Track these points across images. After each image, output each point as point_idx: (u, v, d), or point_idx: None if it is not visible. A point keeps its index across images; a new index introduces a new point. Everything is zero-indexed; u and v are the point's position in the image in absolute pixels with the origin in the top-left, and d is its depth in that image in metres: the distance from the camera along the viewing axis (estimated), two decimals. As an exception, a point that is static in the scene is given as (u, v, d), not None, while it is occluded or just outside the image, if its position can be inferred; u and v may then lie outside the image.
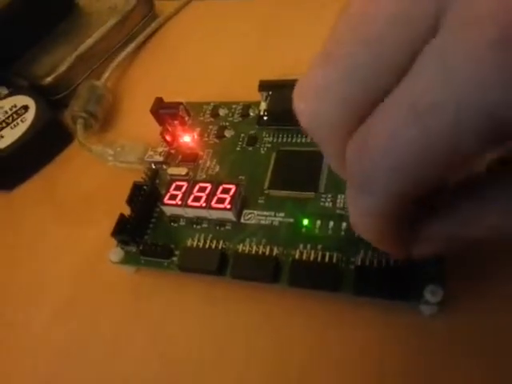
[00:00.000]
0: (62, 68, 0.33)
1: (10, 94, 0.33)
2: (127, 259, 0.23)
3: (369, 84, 0.11)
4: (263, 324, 0.21)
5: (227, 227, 0.23)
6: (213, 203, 0.22)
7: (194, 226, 0.23)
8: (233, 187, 0.23)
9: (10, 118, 0.31)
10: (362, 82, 0.11)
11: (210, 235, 0.23)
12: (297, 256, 0.20)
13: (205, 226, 0.23)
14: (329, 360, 0.20)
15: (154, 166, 0.26)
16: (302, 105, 0.13)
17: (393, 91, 0.11)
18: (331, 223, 0.21)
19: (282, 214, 0.22)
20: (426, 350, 0.19)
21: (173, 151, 0.27)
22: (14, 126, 0.31)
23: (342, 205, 0.22)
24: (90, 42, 0.35)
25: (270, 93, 0.25)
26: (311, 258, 0.20)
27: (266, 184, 0.23)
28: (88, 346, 0.23)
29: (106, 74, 0.33)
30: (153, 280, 0.24)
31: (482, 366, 0.18)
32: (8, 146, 0.30)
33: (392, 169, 0.11)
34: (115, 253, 0.23)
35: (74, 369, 0.23)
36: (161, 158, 0.26)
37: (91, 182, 0.30)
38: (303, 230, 0.21)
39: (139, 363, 0.22)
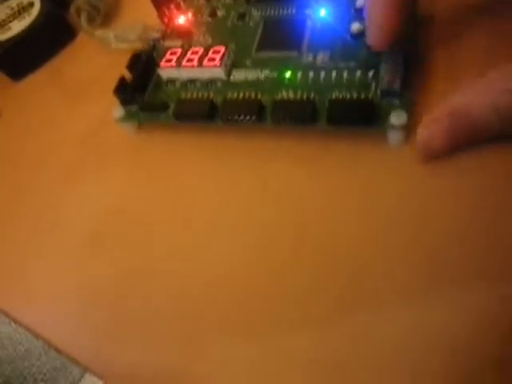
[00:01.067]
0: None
1: (16, -5, 0.35)
2: (128, 116, 0.26)
3: None
4: (248, 165, 0.24)
5: (218, 84, 0.25)
6: (204, 62, 0.25)
7: (188, 85, 0.26)
8: (222, 48, 0.25)
9: (17, 13, 0.33)
10: None
11: (202, 91, 0.25)
12: (278, 98, 0.23)
13: (198, 85, 0.25)
14: (306, 193, 0.22)
15: (151, 41, 0.28)
16: None
17: None
18: (311, 74, 0.23)
19: (267, 71, 0.25)
20: (389, 175, 0.21)
21: (169, 31, 0.29)
22: (21, 19, 0.33)
23: (321, 59, 0.24)
24: None
25: (258, -29, 0.27)
26: (291, 99, 0.22)
27: (254, 48, 0.25)
28: (98, 197, 0.26)
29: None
30: (152, 138, 0.26)
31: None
32: (16, 36, 0.32)
33: None
34: (117, 110, 0.26)
35: (80, 220, 0.25)
36: (158, 35, 0.28)
37: (96, 68, 0.32)
38: (285, 80, 0.24)
39: (142, 213, 0.24)
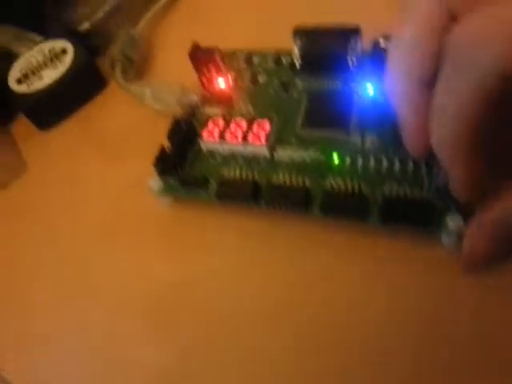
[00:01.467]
0: (99, 15, 0.35)
1: (47, 39, 0.34)
2: (166, 189, 0.25)
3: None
4: (291, 253, 0.23)
5: (261, 162, 0.24)
6: (249, 139, 0.24)
7: (230, 161, 0.25)
8: (268, 124, 0.24)
9: (49, 60, 0.33)
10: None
11: (245, 169, 0.24)
12: (327, 187, 0.22)
13: (240, 161, 0.25)
14: (352, 291, 0.21)
15: (189, 107, 0.28)
16: None
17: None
18: (360, 160, 0.23)
19: (313, 151, 0.24)
20: (445, 283, 0.20)
21: (208, 94, 0.28)
22: (54, 67, 0.32)
23: (370, 143, 0.23)
24: (126, -9, 0.36)
25: (304, 39, 0.27)
26: (341, 189, 0.22)
27: (299, 123, 0.25)
28: (124, 271, 0.25)
29: (142, 23, 0.34)
30: (187, 212, 0.26)
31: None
32: (48, 86, 0.32)
33: None
34: (155, 182, 0.25)
35: (110, 287, 0.25)
36: (197, 99, 0.28)
37: (127, 122, 0.31)
38: (333, 165, 0.23)
39: (171, 290, 0.24)
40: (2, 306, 0.26)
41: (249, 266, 0.23)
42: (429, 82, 0.17)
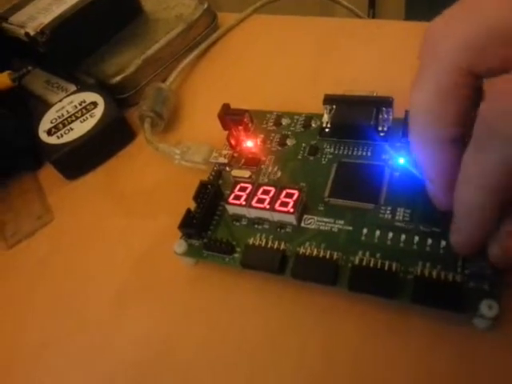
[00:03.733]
0: (130, 69, 0.35)
1: (79, 90, 0.35)
2: (190, 252, 0.25)
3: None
4: (316, 325, 0.22)
5: (287, 230, 0.24)
6: (276, 206, 0.24)
7: (256, 226, 0.25)
8: (296, 192, 0.24)
9: (80, 113, 0.33)
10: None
11: (271, 236, 0.24)
12: (356, 262, 0.21)
13: (266, 226, 0.24)
14: (377, 365, 0.21)
15: (216, 168, 0.28)
16: None
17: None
18: (390, 234, 0.22)
19: (341, 222, 0.23)
20: (475, 364, 0.19)
21: (236, 155, 0.28)
22: (83, 120, 0.33)
23: (401, 217, 0.23)
24: (156, 46, 0.37)
25: (334, 106, 0.27)
26: (371, 265, 0.21)
27: (327, 192, 0.24)
28: (146, 333, 0.24)
29: (171, 78, 0.35)
30: (210, 273, 0.25)
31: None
32: (77, 139, 0.32)
33: None
34: (180, 245, 0.25)
35: (128, 350, 0.24)
36: (225, 160, 0.28)
37: (153, 177, 0.31)
38: (362, 238, 0.23)
39: (193, 353, 0.23)
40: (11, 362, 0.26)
41: (273, 333, 0.22)
42: (451, 140, 0.18)
